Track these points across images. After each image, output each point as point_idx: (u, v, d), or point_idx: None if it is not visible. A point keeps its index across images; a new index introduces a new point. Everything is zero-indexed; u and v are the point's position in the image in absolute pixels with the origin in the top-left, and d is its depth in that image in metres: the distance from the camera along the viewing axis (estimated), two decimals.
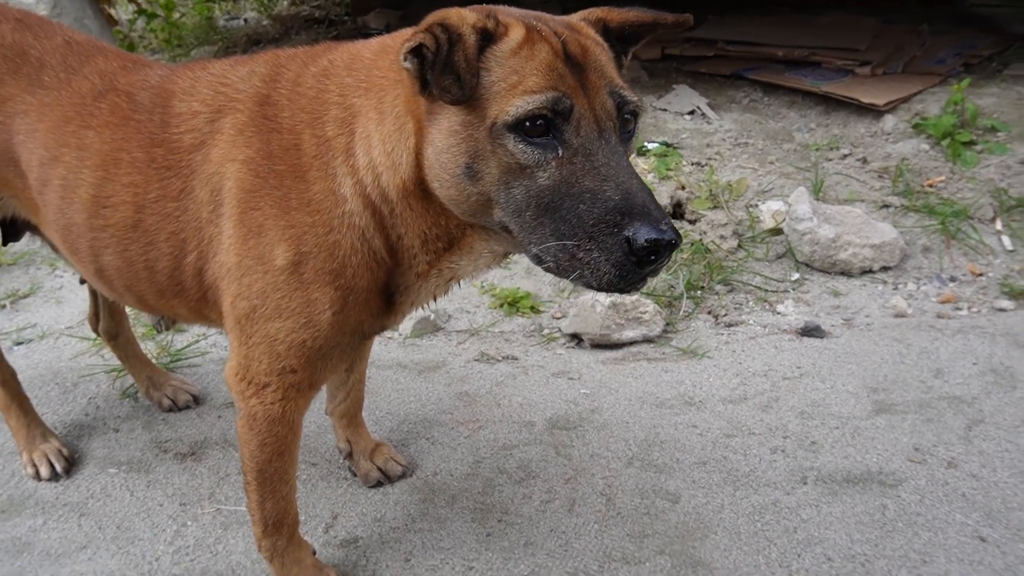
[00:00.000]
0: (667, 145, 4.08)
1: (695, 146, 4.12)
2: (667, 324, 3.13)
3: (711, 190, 3.73)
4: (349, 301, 1.71)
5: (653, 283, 3.29)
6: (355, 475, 2.47)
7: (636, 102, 1.54)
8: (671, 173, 3.87)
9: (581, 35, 1.55)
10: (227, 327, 1.82)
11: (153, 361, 2.99)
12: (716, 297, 3.29)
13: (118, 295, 2.08)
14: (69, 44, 2.05)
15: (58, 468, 2.52)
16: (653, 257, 1.38)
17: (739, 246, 3.51)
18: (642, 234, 1.36)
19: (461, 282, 1.83)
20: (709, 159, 4.03)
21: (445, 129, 1.48)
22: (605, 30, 1.65)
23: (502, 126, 1.42)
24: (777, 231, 3.52)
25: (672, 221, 1.38)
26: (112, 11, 6.24)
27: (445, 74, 1.41)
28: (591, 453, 2.52)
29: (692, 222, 3.62)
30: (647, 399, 2.75)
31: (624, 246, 1.38)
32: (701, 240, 3.48)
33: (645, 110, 1.68)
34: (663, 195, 3.68)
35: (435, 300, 1.87)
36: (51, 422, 2.73)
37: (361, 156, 1.62)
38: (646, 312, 3.05)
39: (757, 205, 3.68)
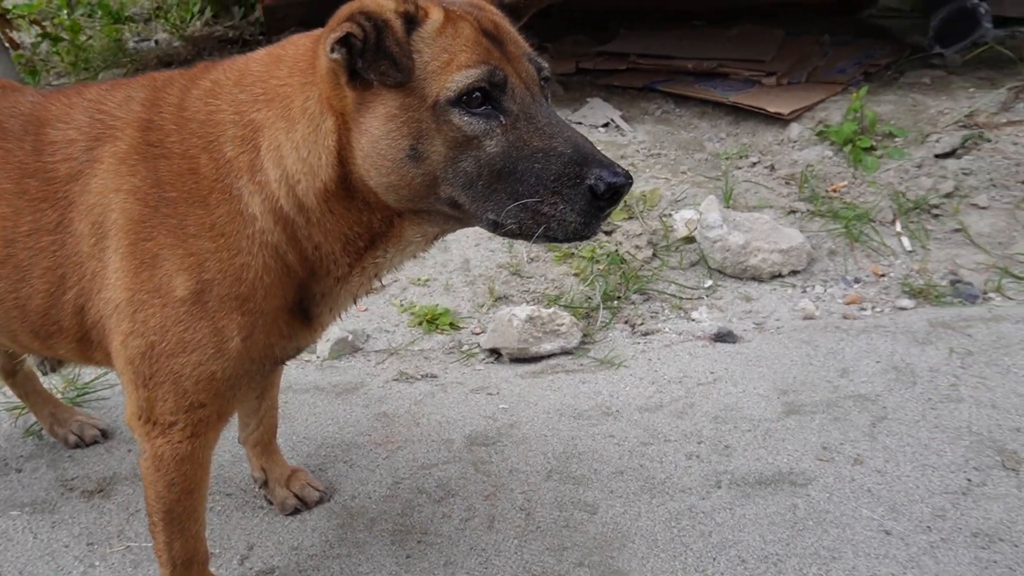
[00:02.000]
0: None
1: (610, 158, 4.18)
2: (584, 335, 3.16)
3: (626, 201, 3.79)
4: (259, 325, 1.67)
5: (571, 295, 3.33)
6: (271, 503, 2.42)
7: (548, 67, 1.64)
8: None
9: (488, 12, 1.63)
10: (118, 368, 1.74)
11: (59, 396, 2.89)
12: (632, 306, 3.34)
13: None
14: None
15: None
16: (614, 198, 1.49)
17: (654, 255, 3.57)
18: (604, 179, 1.46)
19: (383, 278, 1.83)
20: None
21: (382, 115, 1.50)
22: (500, 6, 1.72)
23: (445, 102, 1.48)
24: (690, 239, 3.59)
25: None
26: (14, 34, 6.04)
27: (380, 60, 1.45)
28: (510, 468, 2.53)
29: (608, 233, 3.67)
30: (565, 411, 2.77)
31: (588, 194, 1.47)
32: (617, 251, 3.53)
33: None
34: None
35: (355, 302, 1.86)
36: None
37: (271, 170, 1.60)
38: (563, 324, 3.08)
39: (671, 214, 3.75)
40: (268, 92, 1.63)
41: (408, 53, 1.47)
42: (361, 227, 1.65)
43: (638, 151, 4.26)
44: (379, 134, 1.51)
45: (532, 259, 3.54)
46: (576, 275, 3.45)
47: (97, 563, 2.26)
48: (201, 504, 1.90)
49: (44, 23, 6.30)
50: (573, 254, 3.54)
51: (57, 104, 1.82)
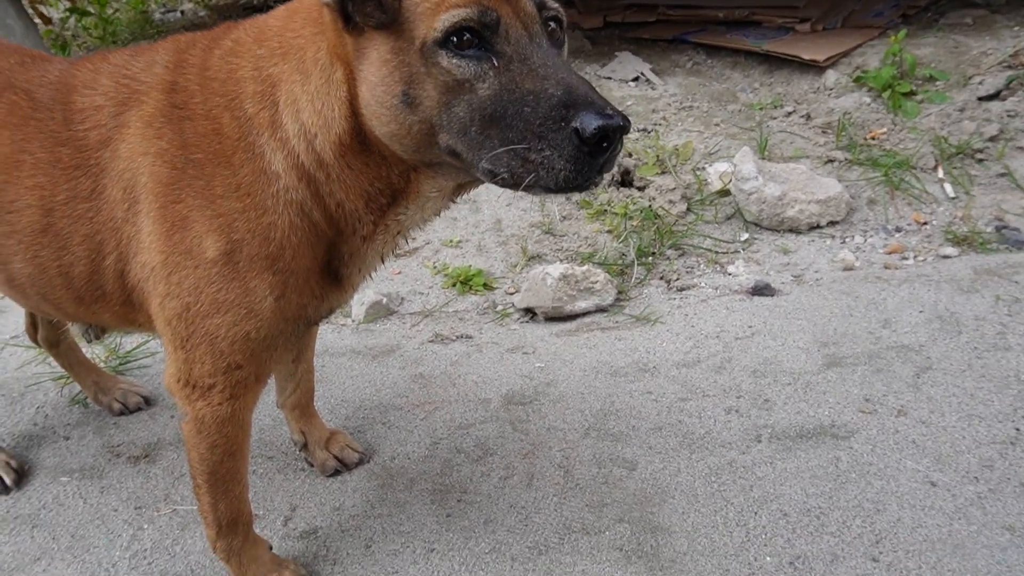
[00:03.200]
0: None
1: (641, 112, 4.11)
2: (619, 292, 3.13)
3: (658, 155, 3.73)
4: (290, 285, 1.66)
5: (604, 253, 3.29)
6: (312, 465, 2.45)
7: (558, 8, 1.54)
8: None
9: None
10: (159, 330, 1.75)
11: (101, 365, 2.94)
12: (667, 262, 3.30)
13: (33, 305, 2.01)
14: None
15: (7, 481, 2.47)
16: (605, 144, 1.37)
17: (688, 210, 3.52)
18: (589, 122, 1.35)
19: (409, 236, 1.80)
20: (655, 124, 4.02)
21: (376, 61, 1.45)
22: None
23: (432, 43, 1.40)
24: (725, 192, 3.53)
25: (621, 114, 1.39)
26: (44, 9, 6.07)
27: (366, 2, 1.40)
28: (548, 426, 2.52)
29: (640, 188, 3.61)
30: (602, 369, 2.75)
31: (574, 138, 1.36)
32: (650, 206, 3.48)
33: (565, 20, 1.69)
34: None
35: (383, 262, 1.83)
36: None
37: (290, 124, 1.57)
38: (597, 281, 3.05)
39: (704, 168, 3.68)
40: (284, 45, 1.60)
41: None
42: (381, 182, 1.62)
43: (669, 104, 4.18)
44: (375, 80, 1.46)
45: (565, 217, 3.50)
46: (609, 232, 3.41)
47: (146, 526, 2.30)
48: (243, 466, 1.92)
49: None
50: (606, 211, 3.49)
51: (83, 71, 1.81)
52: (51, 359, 2.84)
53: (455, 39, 1.40)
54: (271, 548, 2.12)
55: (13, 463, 2.52)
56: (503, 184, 1.47)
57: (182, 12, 6.66)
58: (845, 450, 2.30)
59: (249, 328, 1.67)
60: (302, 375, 2.37)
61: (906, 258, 3.18)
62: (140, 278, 1.72)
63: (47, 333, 2.69)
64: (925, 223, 3.34)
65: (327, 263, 1.72)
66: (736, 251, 3.32)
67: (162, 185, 1.64)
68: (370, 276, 1.87)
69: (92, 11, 6.05)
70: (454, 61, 1.41)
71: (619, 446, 2.42)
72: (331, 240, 1.69)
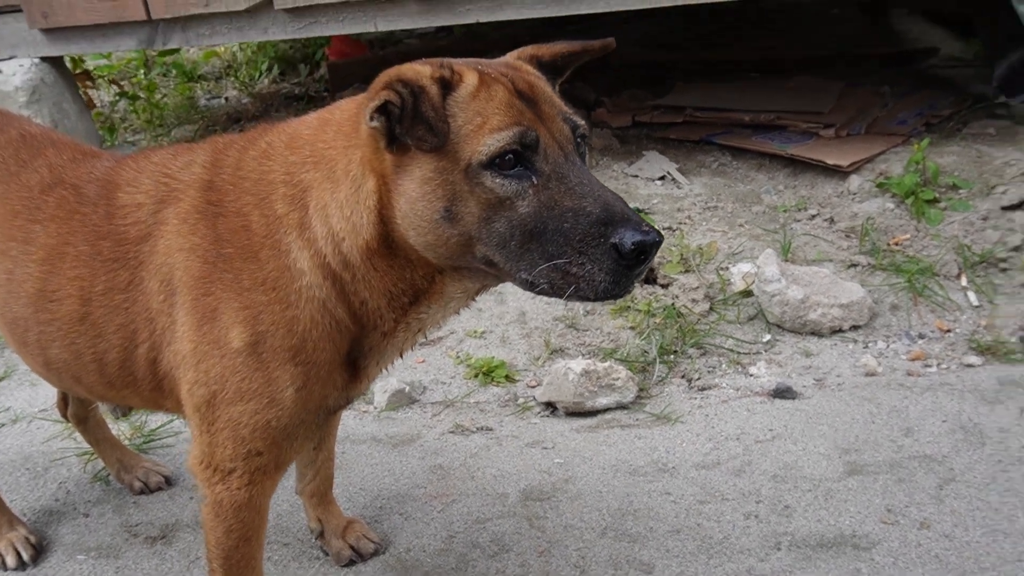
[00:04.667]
0: (639, 210, 4.15)
1: (666, 211, 4.19)
2: (640, 390, 3.14)
3: (682, 254, 3.79)
4: (311, 376, 1.73)
5: (627, 349, 3.32)
6: (327, 554, 2.45)
7: (584, 124, 1.65)
8: None
9: (523, 72, 1.66)
10: (187, 415, 1.82)
11: (126, 442, 2.98)
12: (689, 361, 3.32)
13: (67, 387, 2.11)
14: (23, 137, 2.12)
15: (24, 557, 2.49)
16: (643, 257, 1.48)
17: (711, 309, 3.55)
18: (628, 238, 1.46)
19: (428, 332, 1.86)
20: (680, 223, 4.10)
21: (419, 178, 1.53)
22: (539, 65, 1.76)
23: (477, 165, 1.50)
24: (748, 293, 3.56)
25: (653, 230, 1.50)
26: (94, 93, 6.37)
27: (416, 125, 1.48)
28: (565, 524, 2.51)
29: (664, 286, 3.66)
30: (621, 467, 2.75)
31: (613, 253, 1.47)
32: (673, 304, 3.52)
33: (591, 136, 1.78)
34: None
35: (401, 356, 1.90)
36: (20, 508, 2.71)
37: (318, 227, 1.66)
38: (619, 378, 3.07)
39: (728, 268, 3.73)
40: (315, 154, 1.70)
41: (444, 118, 1.51)
42: (404, 283, 1.69)
43: (695, 204, 4.26)
44: (416, 196, 1.55)
45: (588, 312, 3.55)
46: (632, 328, 3.45)
47: None
48: (258, 551, 1.95)
49: (122, 82, 6.62)
50: (629, 307, 3.54)
51: (127, 169, 1.94)
52: (77, 434, 2.89)
53: (499, 160, 1.50)
54: None
55: (32, 539, 2.54)
56: (541, 293, 1.57)
57: (226, 99, 6.94)
58: (866, 562, 2.26)
59: (270, 416, 1.73)
60: (322, 463, 2.40)
61: (929, 365, 3.17)
62: (172, 366, 1.80)
63: (76, 409, 2.76)
64: (948, 331, 3.34)
65: (348, 355, 1.77)
66: (758, 352, 3.33)
67: (195, 278, 1.73)
68: (387, 369, 1.93)
69: (141, 96, 6.34)
70: (498, 181, 1.51)
71: (636, 548, 2.39)
72: (354, 335, 1.75)
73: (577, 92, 5.70)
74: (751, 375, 3.21)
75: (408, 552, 2.45)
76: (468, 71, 1.58)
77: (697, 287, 3.59)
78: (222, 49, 7.41)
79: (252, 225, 1.72)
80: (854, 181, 4.20)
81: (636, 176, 4.53)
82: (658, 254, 3.71)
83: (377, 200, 1.60)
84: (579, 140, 1.63)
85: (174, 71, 7.05)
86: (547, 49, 1.78)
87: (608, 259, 1.48)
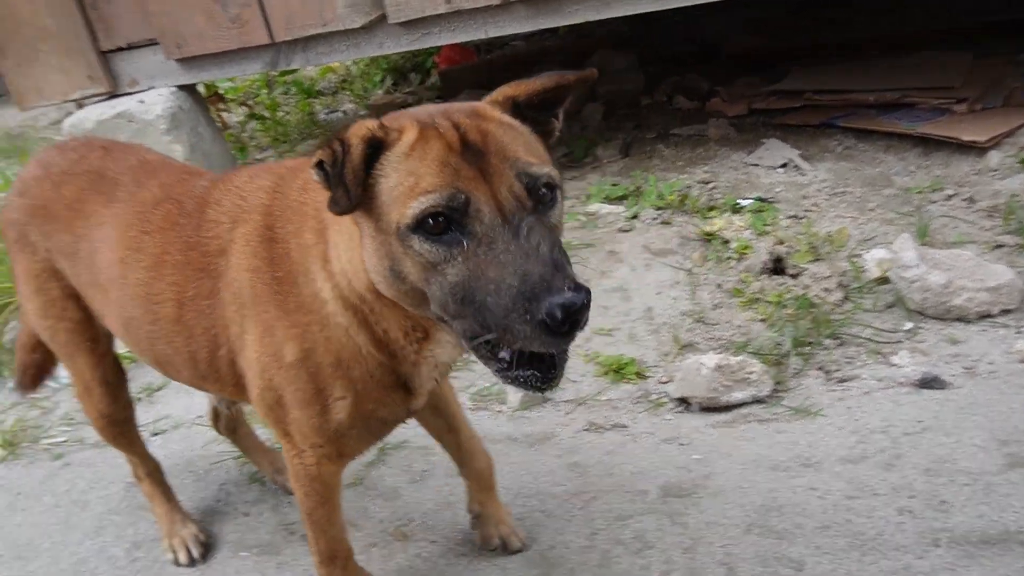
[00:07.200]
0: (761, 200, 4.06)
1: (790, 199, 4.09)
2: (776, 383, 3.08)
3: (811, 243, 3.69)
4: (356, 390, 1.87)
5: (758, 342, 3.25)
6: (474, 530, 2.56)
7: (547, 174, 1.54)
8: (768, 228, 3.84)
9: (484, 120, 1.58)
10: (260, 411, 2.03)
11: (276, 447, 3.14)
12: (826, 352, 3.22)
13: (172, 378, 2.33)
14: (141, 164, 2.34)
15: (195, 554, 2.67)
16: (573, 320, 1.37)
17: (845, 298, 3.44)
18: (555, 309, 1.35)
19: (451, 367, 2.01)
20: (806, 211, 3.98)
21: (368, 236, 1.59)
22: (518, 106, 1.68)
23: (405, 229, 1.48)
24: (884, 280, 3.43)
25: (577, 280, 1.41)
26: (225, 115, 6.72)
27: (337, 186, 1.49)
28: (707, 521, 2.49)
29: (794, 276, 3.57)
30: (761, 462, 2.70)
31: (541, 327, 1.37)
32: (805, 294, 3.43)
33: (561, 181, 1.66)
34: (761, 251, 3.65)
35: (437, 384, 2.03)
36: (187, 508, 2.89)
37: (335, 262, 1.76)
38: (753, 372, 3.02)
39: (860, 255, 3.60)
40: None
41: (359, 181, 1.48)
42: (412, 321, 1.76)
43: (820, 190, 4.13)
44: (369, 251, 1.59)
45: (716, 306, 3.50)
46: (763, 321, 3.38)
47: None
48: (335, 513, 2.19)
49: (249, 103, 6.96)
50: (759, 299, 3.47)
51: (217, 188, 2.11)
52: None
53: (428, 221, 1.46)
54: None
55: (202, 536, 2.72)
56: (480, 359, 1.57)
57: (344, 112, 7.18)
58: None
59: (322, 421, 1.91)
60: (465, 443, 2.50)
61: None
62: (244, 370, 1.99)
63: (226, 422, 2.94)
64: None
65: (394, 377, 1.89)
66: (899, 341, 3.20)
67: (256, 296, 1.90)
68: (432, 388, 2.04)
69: (267, 115, 6.64)
70: (425, 246, 1.48)
71: (784, 545, 2.35)
72: (381, 361, 1.84)
73: (689, 83, 5.62)
74: (894, 365, 3.09)
75: (552, 549, 2.49)
76: (409, 127, 1.54)
77: (829, 276, 3.49)
78: (337, 64, 7.66)
79: (291, 252, 1.86)
80: (993, 157, 3.99)
81: (756, 165, 4.44)
82: (787, 243, 3.63)
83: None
84: (541, 191, 1.53)
85: (294, 89, 7.35)
86: (522, 88, 1.68)
87: (538, 336, 1.38)
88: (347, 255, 1.71)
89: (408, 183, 1.49)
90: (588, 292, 1.39)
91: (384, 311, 1.75)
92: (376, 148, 1.53)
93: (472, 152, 1.50)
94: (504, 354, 1.50)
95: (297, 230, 1.85)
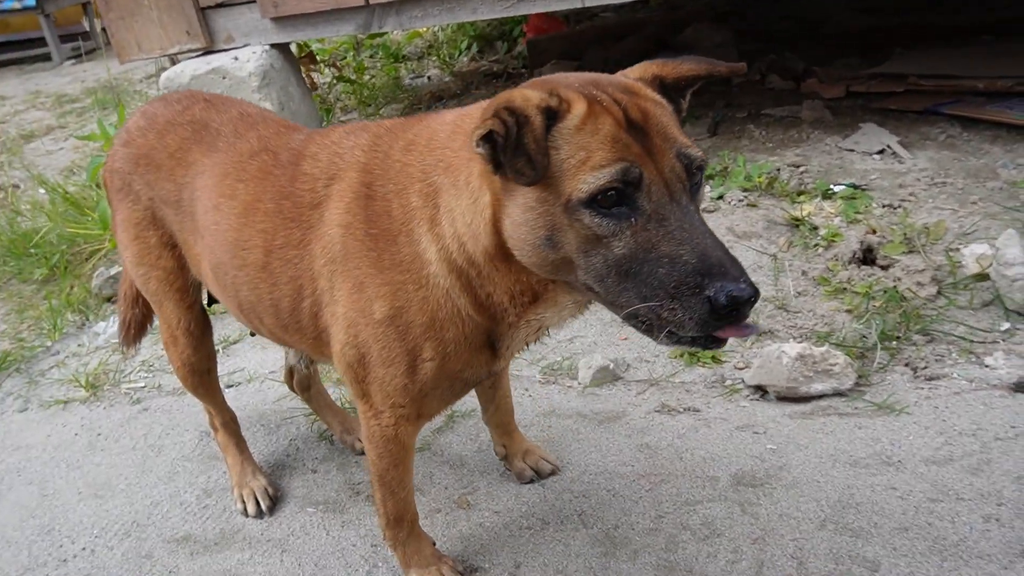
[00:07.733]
0: (855, 187, 3.90)
1: (886, 187, 3.92)
2: (859, 377, 2.96)
3: (905, 234, 3.52)
4: (444, 351, 1.87)
5: (842, 333, 3.14)
6: (509, 471, 2.69)
7: (701, 157, 1.58)
8: (860, 216, 3.69)
9: (640, 98, 1.59)
10: (338, 368, 2.04)
11: (346, 407, 3.17)
12: (914, 348, 3.08)
13: (253, 327, 2.36)
14: (242, 116, 2.38)
15: (263, 506, 2.72)
16: (735, 313, 1.43)
17: (939, 293, 3.28)
18: (723, 293, 1.41)
19: (550, 330, 1.98)
20: (902, 201, 3.81)
21: (522, 205, 1.56)
22: (662, 86, 1.70)
23: (576, 202, 1.49)
24: (983, 277, 3.26)
25: (749, 277, 1.45)
26: (315, 75, 6.80)
27: (517, 157, 1.49)
28: (780, 513, 2.42)
29: (884, 268, 3.42)
30: (839, 457, 2.61)
31: (707, 305, 1.43)
32: (895, 287, 3.28)
33: (709, 162, 1.68)
34: (852, 240, 3.51)
35: (527, 346, 2.02)
36: (257, 461, 2.95)
37: (446, 227, 1.75)
38: (836, 364, 2.91)
39: (958, 249, 3.43)
40: (445, 160, 1.78)
41: (544, 151, 1.49)
42: (523, 285, 1.75)
43: (918, 179, 3.95)
44: (519, 220, 1.57)
45: (800, 293, 3.38)
46: (849, 311, 3.25)
47: (380, 564, 2.44)
48: (406, 475, 2.20)
49: (337, 64, 7.02)
50: (845, 289, 3.34)
51: (313, 144, 2.13)
52: None
53: (600, 197, 1.48)
54: (435, 544, 2.38)
55: (271, 490, 2.77)
56: (638, 331, 1.57)
57: (428, 78, 7.19)
58: None
59: (407, 381, 1.92)
60: (500, 400, 2.62)
61: None
62: (328, 323, 2.00)
63: (300, 379, 2.98)
64: None
65: (486, 338, 1.89)
66: (995, 341, 3.04)
67: (348, 252, 1.90)
68: (521, 351, 2.06)
69: (353, 78, 6.69)
70: (595, 219, 1.50)
71: (859, 543, 2.27)
72: (479, 322, 1.85)
73: (785, 62, 5.43)
74: (987, 366, 2.93)
75: (616, 528, 2.45)
76: (577, 99, 1.55)
77: (923, 269, 3.33)
78: (424, 30, 7.67)
79: (393, 211, 1.85)
80: None
81: (851, 150, 4.26)
82: (879, 233, 3.48)
83: (491, 214, 1.65)
84: (695, 173, 1.56)
85: (380, 52, 7.38)
86: (671, 70, 1.71)
87: (701, 310, 1.44)
88: (465, 220, 1.71)
89: (579, 156, 1.50)
90: (758, 294, 1.45)
91: (494, 275, 1.75)
92: (550, 119, 1.53)
93: (635, 130, 1.52)
94: (667, 314, 1.50)
95: (400, 191, 1.85)
